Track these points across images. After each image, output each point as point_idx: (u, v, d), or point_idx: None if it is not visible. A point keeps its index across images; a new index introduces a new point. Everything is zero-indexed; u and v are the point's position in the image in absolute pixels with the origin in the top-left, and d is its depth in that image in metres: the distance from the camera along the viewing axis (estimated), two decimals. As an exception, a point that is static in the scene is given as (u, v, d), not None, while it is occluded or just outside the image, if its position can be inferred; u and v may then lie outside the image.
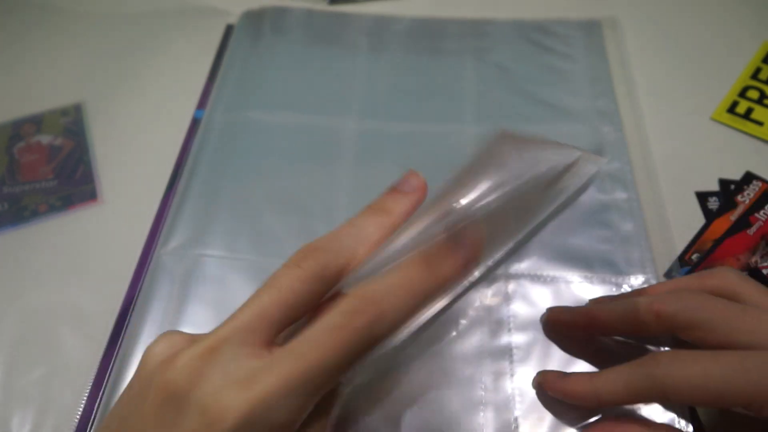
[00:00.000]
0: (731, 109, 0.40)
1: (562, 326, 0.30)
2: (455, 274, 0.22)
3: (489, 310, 0.31)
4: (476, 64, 0.43)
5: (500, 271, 0.33)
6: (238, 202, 0.36)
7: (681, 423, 0.27)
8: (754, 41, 0.43)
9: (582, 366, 0.29)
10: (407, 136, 0.39)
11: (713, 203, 0.35)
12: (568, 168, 0.30)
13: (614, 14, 0.45)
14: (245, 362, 0.19)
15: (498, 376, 0.29)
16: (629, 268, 0.32)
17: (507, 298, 0.32)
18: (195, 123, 0.41)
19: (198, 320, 0.31)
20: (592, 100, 0.40)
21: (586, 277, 0.32)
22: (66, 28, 0.47)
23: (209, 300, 0.32)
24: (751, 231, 0.34)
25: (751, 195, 0.35)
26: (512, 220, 0.31)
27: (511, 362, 0.30)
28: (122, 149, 0.40)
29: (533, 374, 0.29)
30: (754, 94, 0.40)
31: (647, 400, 0.25)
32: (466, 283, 0.31)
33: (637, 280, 0.32)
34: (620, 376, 0.25)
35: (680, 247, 0.34)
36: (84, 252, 0.35)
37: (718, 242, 0.34)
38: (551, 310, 0.30)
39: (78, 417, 0.29)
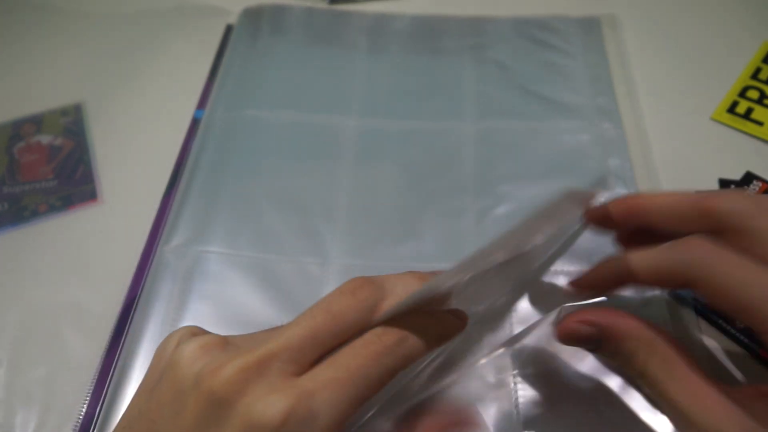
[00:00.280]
0: (731, 109, 0.40)
1: (601, 215, 0.27)
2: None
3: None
4: (476, 62, 0.43)
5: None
6: (239, 200, 0.36)
7: None
8: (754, 41, 0.43)
9: (588, 359, 0.29)
10: (407, 134, 0.39)
11: (713, 203, 0.35)
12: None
13: (614, 12, 0.45)
14: (291, 378, 0.20)
15: (500, 371, 0.29)
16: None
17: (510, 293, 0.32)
18: (195, 123, 0.41)
19: (200, 316, 0.31)
20: (591, 98, 0.40)
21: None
22: (66, 28, 0.47)
23: (211, 296, 0.32)
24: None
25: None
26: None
27: (514, 358, 0.30)
28: (122, 149, 0.40)
29: (537, 371, 0.29)
30: (754, 94, 0.40)
31: (674, 285, 0.23)
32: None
33: None
34: (654, 255, 0.23)
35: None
36: (84, 252, 0.35)
37: None
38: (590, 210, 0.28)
39: (82, 415, 0.29)
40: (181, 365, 0.20)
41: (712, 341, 0.30)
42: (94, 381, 0.30)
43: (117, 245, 0.35)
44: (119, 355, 0.31)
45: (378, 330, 0.21)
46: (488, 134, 0.39)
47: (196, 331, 0.22)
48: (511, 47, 0.44)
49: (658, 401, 0.23)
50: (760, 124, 0.39)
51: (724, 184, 0.36)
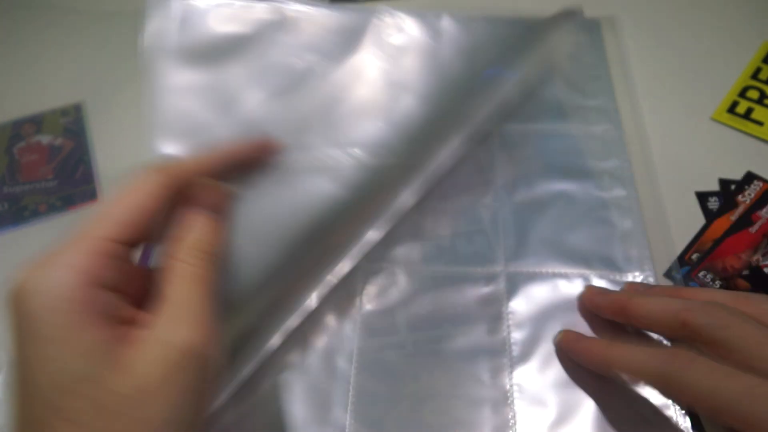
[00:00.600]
0: (731, 109, 0.40)
1: (594, 307, 0.30)
2: None
3: (487, 306, 0.31)
4: (475, 62, 0.43)
5: (499, 268, 0.33)
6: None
7: (675, 408, 0.28)
8: (754, 41, 0.43)
9: (584, 372, 0.29)
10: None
11: (713, 203, 0.35)
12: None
13: (613, 13, 0.45)
14: None
15: (496, 372, 0.29)
16: (628, 266, 0.32)
17: (506, 295, 0.32)
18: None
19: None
20: (591, 99, 0.40)
21: (584, 275, 0.32)
22: (66, 28, 0.47)
23: None
24: (753, 229, 0.34)
25: (752, 195, 0.35)
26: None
27: (510, 359, 0.30)
28: (122, 149, 0.40)
29: (532, 371, 0.29)
30: (754, 94, 0.40)
31: (652, 386, 0.26)
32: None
33: (635, 279, 0.32)
34: (635, 356, 0.26)
35: (679, 246, 0.34)
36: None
37: (720, 239, 0.34)
38: (588, 288, 0.31)
39: None
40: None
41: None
42: None
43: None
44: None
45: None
46: (485, 136, 0.39)
47: None
48: (510, 48, 0.44)
49: None
50: (760, 124, 0.39)
51: (724, 183, 0.36)
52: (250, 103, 0.30)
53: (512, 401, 0.28)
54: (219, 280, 0.23)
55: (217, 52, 0.31)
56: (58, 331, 0.19)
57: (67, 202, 0.37)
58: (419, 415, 0.28)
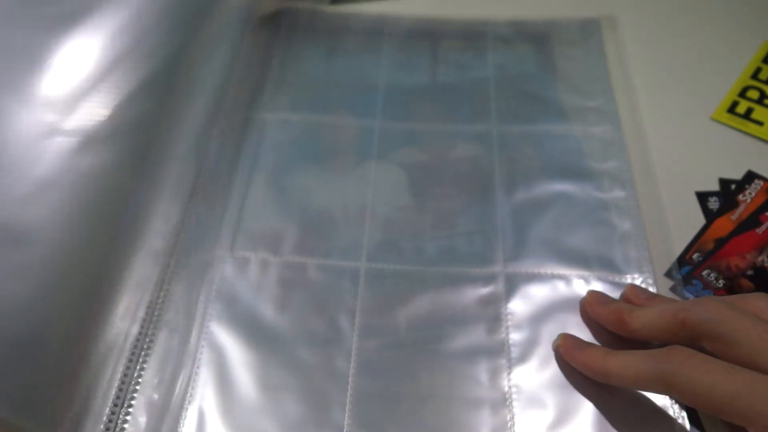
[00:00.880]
0: (731, 109, 0.40)
1: (594, 316, 0.30)
2: None
3: (486, 307, 0.31)
4: (475, 63, 0.43)
5: (498, 268, 0.33)
6: (254, 204, 0.36)
7: (675, 407, 0.28)
8: (754, 41, 0.43)
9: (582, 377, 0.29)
10: (407, 135, 0.39)
11: (713, 203, 0.35)
12: None
13: (613, 13, 0.45)
14: None
15: (494, 373, 0.29)
16: (627, 267, 0.32)
17: (504, 296, 0.31)
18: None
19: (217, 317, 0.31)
20: (590, 100, 0.40)
21: (583, 276, 0.32)
22: None
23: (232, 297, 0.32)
24: (761, 230, 0.34)
25: (753, 194, 0.35)
26: None
27: (509, 360, 0.29)
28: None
29: (530, 372, 0.29)
30: (754, 94, 0.40)
31: (652, 390, 0.26)
32: None
33: (634, 280, 0.32)
34: (632, 362, 0.26)
35: (679, 246, 0.34)
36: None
37: (725, 239, 0.34)
38: (590, 295, 0.31)
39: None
40: None
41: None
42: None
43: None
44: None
45: None
46: (484, 137, 0.39)
47: None
48: (510, 50, 0.44)
49: None
50: (760, 124, 0.39)
51: (724, 183, 0.36)
52: None
53: (511, 402, 0.28)
54: None
55: None
56: None
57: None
58: (418, 415, 0.28)
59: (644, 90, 0.41)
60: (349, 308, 0.31)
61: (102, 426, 0.27)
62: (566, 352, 0.29)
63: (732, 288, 0.32)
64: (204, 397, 0.29)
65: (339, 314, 0.31)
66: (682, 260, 0.33)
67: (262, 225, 0.35)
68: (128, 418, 0.28)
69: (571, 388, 0.29)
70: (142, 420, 0.28)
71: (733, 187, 0.36)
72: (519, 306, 0.31)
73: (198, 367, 0.29)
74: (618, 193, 0.35)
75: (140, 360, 0.30)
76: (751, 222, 0.34)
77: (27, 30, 0.33)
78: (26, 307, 0.26)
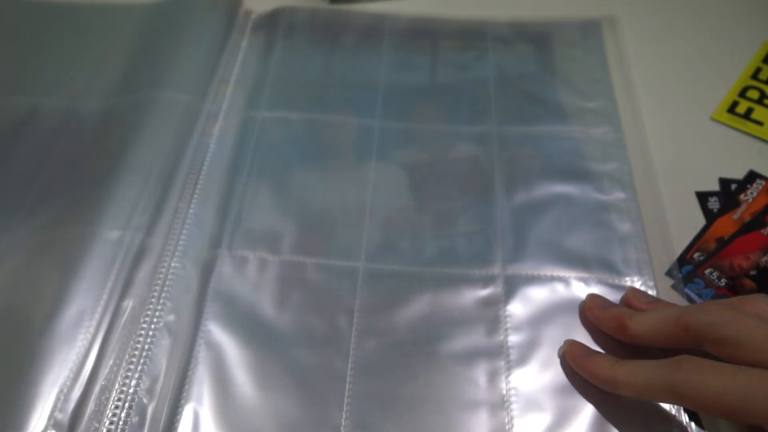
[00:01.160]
0: (731, 109, 0.39)
1: (594, 321, 0.30)
2: None
3: (485, 309, 0.31)
4: (475, 64, 0.43)
5: (497, 270, 0.32)
6: (253, 204, 0.36)
7: (674, 410, 0.28)
8: (754, 41, 0.43)
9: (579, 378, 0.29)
10: (407, 135, 0.39)
11: (713, 203, 0.35)
12: None
13: (613, 14, 0.45)
14: None
15: (493, 375, 0.29)
16: (627, 269, 0.32)
17: (504, 298, 0.31)
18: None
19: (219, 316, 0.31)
20: (590, 101, 0.40)
21: (583, 278, 0.32)
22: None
23: (232, 297, 0.32)
24: (766, 231, 0.34)
25: (755, 194, 0.35)
26: None
27: (507, 362, 0.29)
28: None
29: (529, 374, 0.29)
30: (754, 94, 0.40)
31: (663, 400, 0.26)
32: None
33: (634, 282, 0.32)
34: (641, 371, 0.25)
35: (679, 247, 0.34)
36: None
37: (730, 239, 0.33)
38: (590, 299, 0.30)
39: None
40: None
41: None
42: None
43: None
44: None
45: None
46: (484, 137, 0.38)
47: None
48: (510, 50, 0.44)
49: None
50: (760, 124, 0.39)
51: (725, 183, 0.36)
52: None
53: (509, 405, 0.28)
54: None
55: None
56: None
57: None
58: (415, 416, 0.28)
59: (644, 90, 0.41)
60: (347, 308, 0.31)
61: (102, 426, 0.27)
62: (573, 360, 0.28)
63: (734, 287, 0.32)
64: (201, 396, 0.29)
65: (338, 314, 0.31)
66: (683, 259, 0.33)
67: (260, 224, 0.35)
68: (125, 417, 0.28)
69: (569, 390, 0.28)
70: (138, 419, 0.28)
71: (733, 186, 0.36)
72: (518, 308, 0.31)
73: (195, 366, 0.29)
74: (618, 195, 0.35)
75: (140, 360, 0.29)
76: (756, 223, 0.34)
77: None
78: None
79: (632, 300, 0.30)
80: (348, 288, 0.32)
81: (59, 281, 0.31)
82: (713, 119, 0.39)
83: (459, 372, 0.29)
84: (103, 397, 0.28)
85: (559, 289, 0.32)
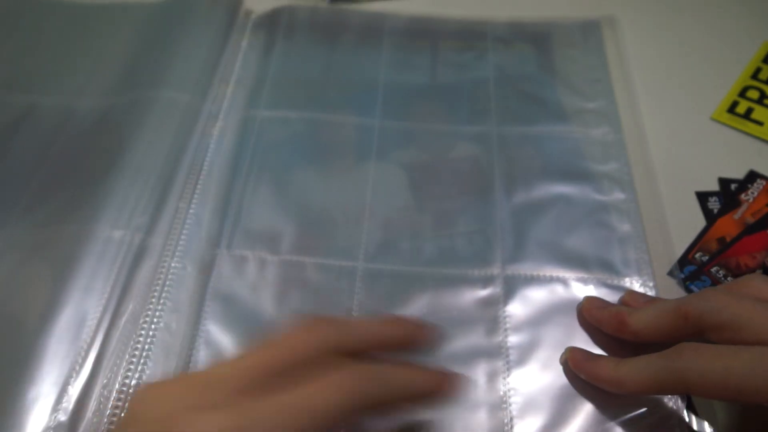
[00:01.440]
0: (731, 109, 0.39)
1: (593, 321, 0.30)
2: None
3: (484, 309, 0.31)
4: (475, 63, 0.43)
5: (497, 270, 0.32)
6: (253, 203, 0.36)
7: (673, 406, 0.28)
8: (754, 41, 0.43)
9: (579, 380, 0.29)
10: (407, 134, 0.39)
11: (713, 203, 0.35)
12: None
13: (613, 14, 0.45)
14: (238, 398, 0.20)
15: (492, 376, 0.29)
16: (626, 270, 0.32)
17: (503, 298, 0.31)
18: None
19: (218, 316, 0.32)
20: (590, 101, 0.40)
21: (582, 278, 0.32)
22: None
23: (233, 297, 0.32)
24: (772, 231, 0.34)
25: (755, 193, 0.35)
26: None
27: (507, 362, 0.29)
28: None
29: (528, 375, 0.29)
30: (754, 94, 0.40)
31: (671, 391, 0.26)
32: None
33: (633, 283, 0.32)
34: (645, 366, 0.25)
35: (679, 247, 0.34)
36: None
37: (736, 238, 0.33)
38: (588, 300, 0.30)
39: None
40: (132, 411, 0.21)
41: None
42: None
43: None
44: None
45: (344, 369, 0.21)
46: (484, 137, 0.38)
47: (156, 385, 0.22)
48: (510, 50, 0.43)
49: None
50: (760, 124, 0.39)
51: (724, 183, 0.36)
52: None
53: (508, 405, 0.28)
54: None
55: None
56: None
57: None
58: (415, 417, 0.28)
59: (644, 90, 0.41)
60: (346, 308, 0.31)
61: (102, 426, 0.27)
62: (576, 365, 0.28)
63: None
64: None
65: (336, 314, 0.31)
66: (684, 260, 0.33)
67: (260, 224, 0.35)
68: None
69: (568, 391, 0.28)
70: None
71: (733, 187, 0.36)
72: (517, 308, 0.31)
73: (195, 366, 0.29)
74: (618, 195, 0.35)
75: (140, 360, 0.29)
76: (763, 223, 0.34)
77: None
78: None
79: (630, 302, 0.30)
80: (347, 288, 0.32)
81: (57, 279, 0.31)
82: (713, 119, 0.39)
83: (459, 372, 0.29)
84: (103, 397, 0.28)
85: (559, 289, 0.32)
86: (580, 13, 0.45)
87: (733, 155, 0.37)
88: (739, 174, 0.36)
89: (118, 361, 0.29)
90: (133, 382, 0.29)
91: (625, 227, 0.34)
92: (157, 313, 0.31)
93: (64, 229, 0.33)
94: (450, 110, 0.40)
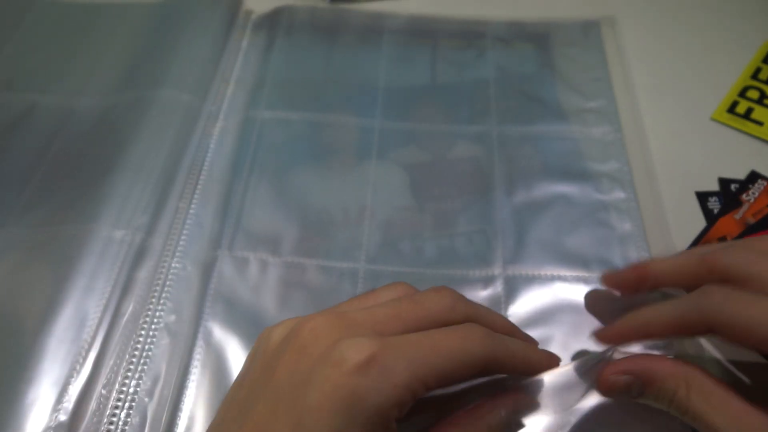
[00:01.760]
0: (731, 109, 0.39)
1: (614, 285, 0.29)
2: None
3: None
4: (475, 63, 0.43)
5: (497, 270, 0.32)
6: (254, 204, 0.36)
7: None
8: (754, 41, 0.43)
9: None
10: (407, 134, 0.39)
11: (713, 203, 0.35)
12: None
13: (613, 14, 0.45)
14: (378, 335, 0.21)
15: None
16: (627, 269, 0.32)
17: (504, 298, 0.31)
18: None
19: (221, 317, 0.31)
20: (590, 101, 0.40)
21: (583, 278, 0.32)
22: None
23: (234, 298, 0.32)
24: (774, 232, 0.34)
25: (756, 194, 0.35)
26: None
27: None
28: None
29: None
30: (754, 94, 0.40)
31: (694, 332, 0.25)
32: None
33: None
34: (671, 308, 0.25)
35: (679, 247, 0.34)
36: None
37: (739, 237, 0.34)
38: (604, 278, 0.29)
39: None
40: (270, 342, 0.22)
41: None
42: None
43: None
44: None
45: (474, 324, 0.22)
46: (484, 137, 0.38)
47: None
48: (510, 50, 0.43)
49: None
50: (760, 124, 0.39)
51: (724, 183, 0.36)
52: None
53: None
54: None
55: None
56: (364, 427, 0.19)
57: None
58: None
59: (644, 90, 0.41)
60: None
61: (102, 426, 0.27)
62: (603, 338, 0.27)
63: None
64: (201, 397, 0.28)
65: None
66: (684, 259, 0.33)
67: (261, 225, 0.35)
68: (125, 417, 0.28)
69: (570, 390, 0.28)
70: (138, 419, 0.28)
71: (733, 186, 0.36)
72: (519, 308, 0.31)
73: (195, 368, 0.29)
74: (618, 195, 0.35)
75: (140, 360, 0.29)
76: (764, 223, 0.34)
77: None
78: None
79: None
80: (348, 289, 0.32)
81: (57, 279, 0.31)
82: (713, 119, 0.39)
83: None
84: (103, 398, 0.28)
85: (560, 288, 0.32)
86: (580, 13, 0.45)
87: (733, 155, 0.37)
88: (739, 174, 0.36)
89: (118, 361, 0.29)
90: (133, 382, 0.29)
91: (625, 226, 0.34)
92: (157, 313, 0.31)
93: (64, 229, 0.33)
94: (450, 110, 0.40)
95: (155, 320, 0.31)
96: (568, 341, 0.30)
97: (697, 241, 0.34)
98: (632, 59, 0.43)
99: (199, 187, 0.36)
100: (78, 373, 0.28)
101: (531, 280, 0.32)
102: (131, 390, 0.28)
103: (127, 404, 0.28)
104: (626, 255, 0.33)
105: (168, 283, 0.32)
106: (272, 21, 0.45)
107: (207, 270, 0.33)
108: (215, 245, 0.34)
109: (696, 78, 0.42)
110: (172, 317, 0.31)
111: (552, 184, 0.36)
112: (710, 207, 0.35)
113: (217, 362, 0.29)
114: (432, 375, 0.20)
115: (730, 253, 0.25)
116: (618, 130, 0.38)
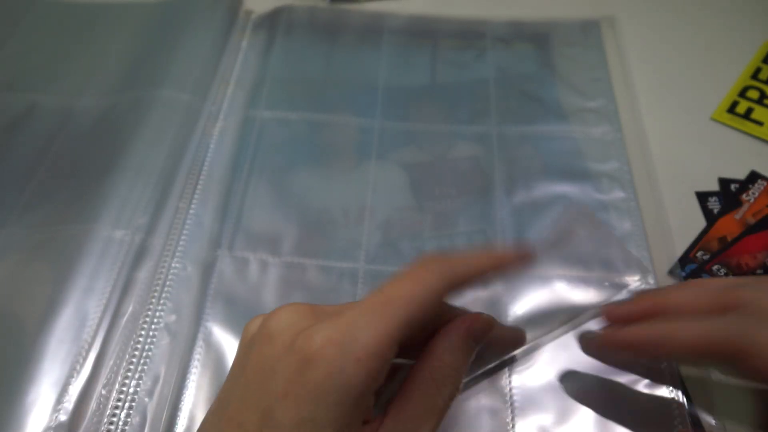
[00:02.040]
0: (731, 109, 0.39)
1: (622, 319, 0.28)
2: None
3: (485, 309, 0.31)
4: (475, 63, 0.43)
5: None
6: (254, 204, 0.36)
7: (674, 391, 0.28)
8: (754, 41, 0.43)
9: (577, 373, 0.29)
10: (407, 134, 0.39)
11: (713, 203, 0.35)
12: None
13: (613, 14, 0.45)
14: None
15: (494, 376, 0.29)
16: (626, 268, 0.32)
17: (504, 298, 0.31)
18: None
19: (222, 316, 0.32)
20: (590, 101, 0.40)
21: (583, 277, 0.32)
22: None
23: (234, 297, 0.32)
24: (774, 232, 0.34)
25: (756, 194, 0.35)
26: None
27: (509, 362, 0.29)
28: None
29: (531, 374, 0.29)
30: (754, 94, 0.40)
31: (715, 355, 0.24)
32: None
33: (634, 281, 0.32)
34: (699, 325, 0.24)
35: (679, 246, 0.34)
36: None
37: (737, 238, 0.34)
38: (605, 311, 0.29)
39: None
40: (246, 335, 0.23)
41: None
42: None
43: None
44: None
45: (420, 260, 0.23)
46: (484, 137, 0.38)
47: (294, 305, 0.23)
48: (510, 50, 0.43)
49: None
50: (760, 124, 0.39)
51: (724, 183, 0.36)
52: None
53: (511, 405, 0.28)
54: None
55: None
56: (332, 411, 0.19)
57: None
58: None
59: (644, 90, 0.41)
60: None
61: (102, 426, 0.27)
62: (609, 339, 0.27)
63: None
64: (201, 397, 0.28)
65: None
66: (686, 258, 0.33)
67: (261, 225, 0.35)
68: (125, 417, 0.28)
69: (571, 390, 0.28)
70: (138, 419, 0.28)
71: (732, 186, 0.36)
72: (519, 308, 0.31)
73: (195, 368, 0.29)
74: (618, 194, 0.35)
75: (141, 360, 0.29)
76: (764, 223, 0.34)
77: None
78: None
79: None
80: (348, 289, 0.32)
81: (57, 279, 0.31)
82: (713, 119, 0.39)
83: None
84: (103, 398, 0.28)
85: (560, 288, 0.32)
86: (580, 13, 0.45)
87: (733, 155, 0.37)
88: (739, 174, 0.36)
89: (118, 361, 0.29)
90: (133, 382, 0.29)
91: (625, 226, 0.34)
92: (157, 313, 0.31)
93: (64, 229, 0.33)
94: (450, 110, 0.40)
95: (155, 320, 0.31)
96: (568, 340, 0.30)
97: (698, 241, 0.34)
98: (632, 59, 0.43)
99: (199, 187, 0.36)
100: (78, 373, 0.28)
101: (531, 280, 0.32)
102: (131, 390, 0.28)
103: (127, 404, 0.28)
104: (626, 255, 0.33)
105: (168, 283, 0.32)
106: (272, 21, 0.45)
107: (207, 270, 0.33)
108: (215, 245, 0.34)
109: (696, 78, 0.42)
110: (172, 317, 0.31)
111: (552, 183, 0.36)
112: (710, 207, 0.35)
113: (217, 362, 0.29)
114: (396, 327, 0.20)
115: (754, 289, 0.24)
116: (618, 129, 0.38)
